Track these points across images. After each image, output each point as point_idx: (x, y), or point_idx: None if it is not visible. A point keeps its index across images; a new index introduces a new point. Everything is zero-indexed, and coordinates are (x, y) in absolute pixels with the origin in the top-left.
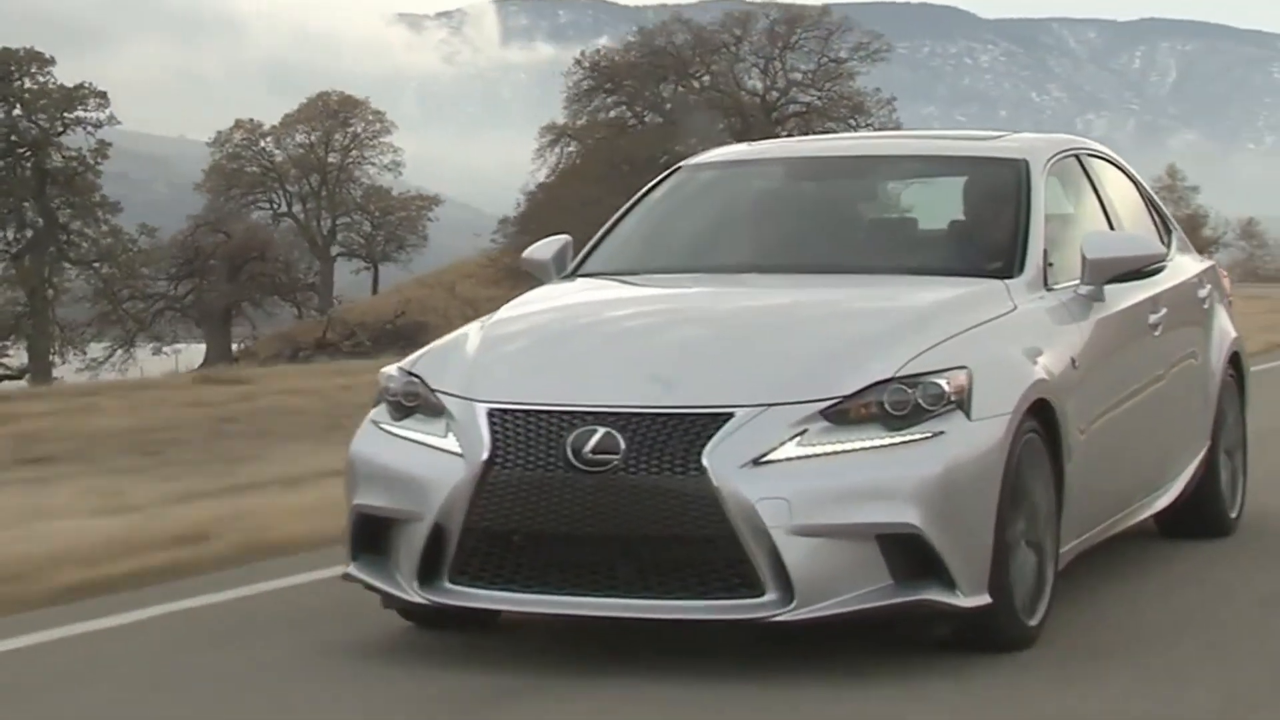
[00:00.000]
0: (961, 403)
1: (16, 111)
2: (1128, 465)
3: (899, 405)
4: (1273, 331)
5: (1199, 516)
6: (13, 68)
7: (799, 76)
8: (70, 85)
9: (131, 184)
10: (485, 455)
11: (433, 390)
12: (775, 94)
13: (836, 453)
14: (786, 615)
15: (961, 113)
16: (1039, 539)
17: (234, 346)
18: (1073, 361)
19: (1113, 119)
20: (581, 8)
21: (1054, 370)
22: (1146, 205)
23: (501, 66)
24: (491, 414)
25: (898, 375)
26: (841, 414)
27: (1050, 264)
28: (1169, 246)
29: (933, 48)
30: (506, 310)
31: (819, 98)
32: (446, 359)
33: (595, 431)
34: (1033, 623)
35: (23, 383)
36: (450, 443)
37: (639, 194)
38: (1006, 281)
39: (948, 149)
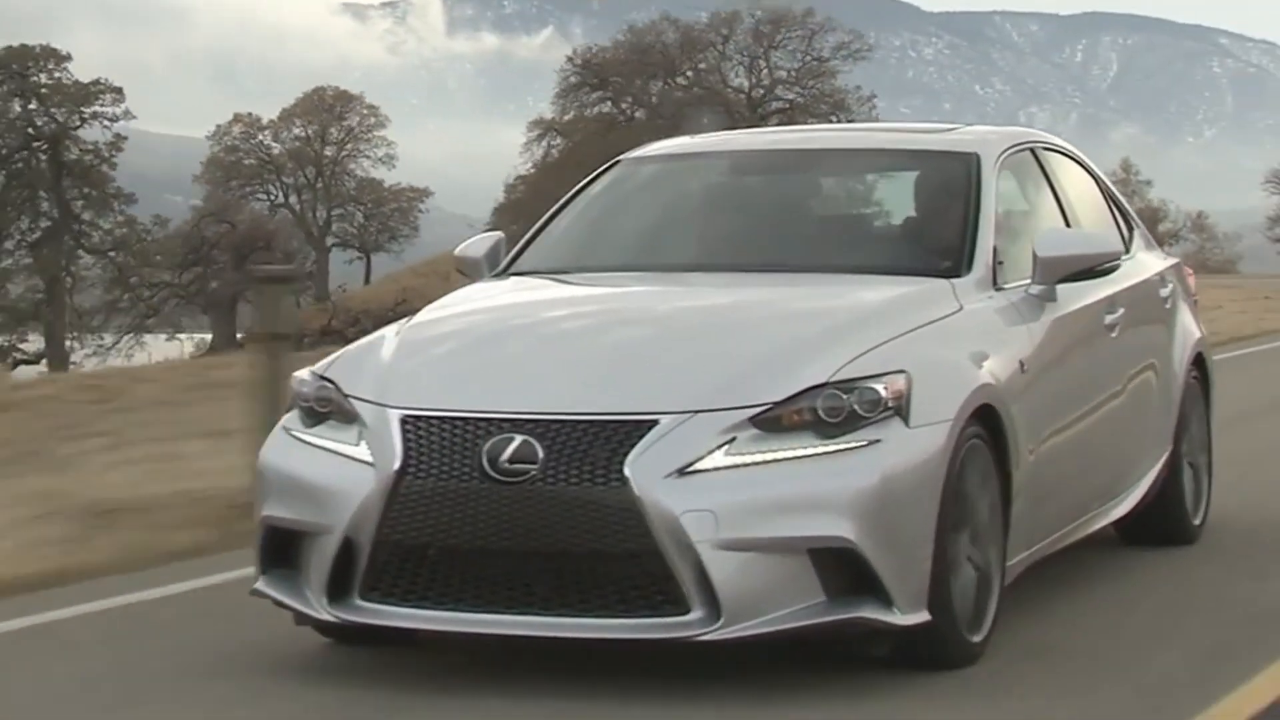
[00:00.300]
0: (900, 409)
1: (33, 106)
2: (1082, 472)
3: (833, 412)
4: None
5: (1161, 523)
6: (29, 64)
7: (783, 74)
8: (86, 81)
9: None
10: (397, 465)
11: (346, 396)
12: (760, 91)
13: (766, 462)
14: (713, 634)
15: (905, 105)
16: (984, 552)
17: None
18: (1021, 365)
19: (1055, 111)
20: None
21: (1000, 374)
22: (1107, 200)
23: (447, 57)
24: (404, 421)
25: (832, 380)
26: (773, 421)
27: (1000, 262)
28: (1130, 243)
29: (877, 39)
30: (426, 312)
31: (801, 95)
32: (361, 363)
33: (512, 440)
34: (977, 639)
35: (41, 367)
36: (362, 451)
37: (577, 188)
38: (953, 281)
39: (897, 142)
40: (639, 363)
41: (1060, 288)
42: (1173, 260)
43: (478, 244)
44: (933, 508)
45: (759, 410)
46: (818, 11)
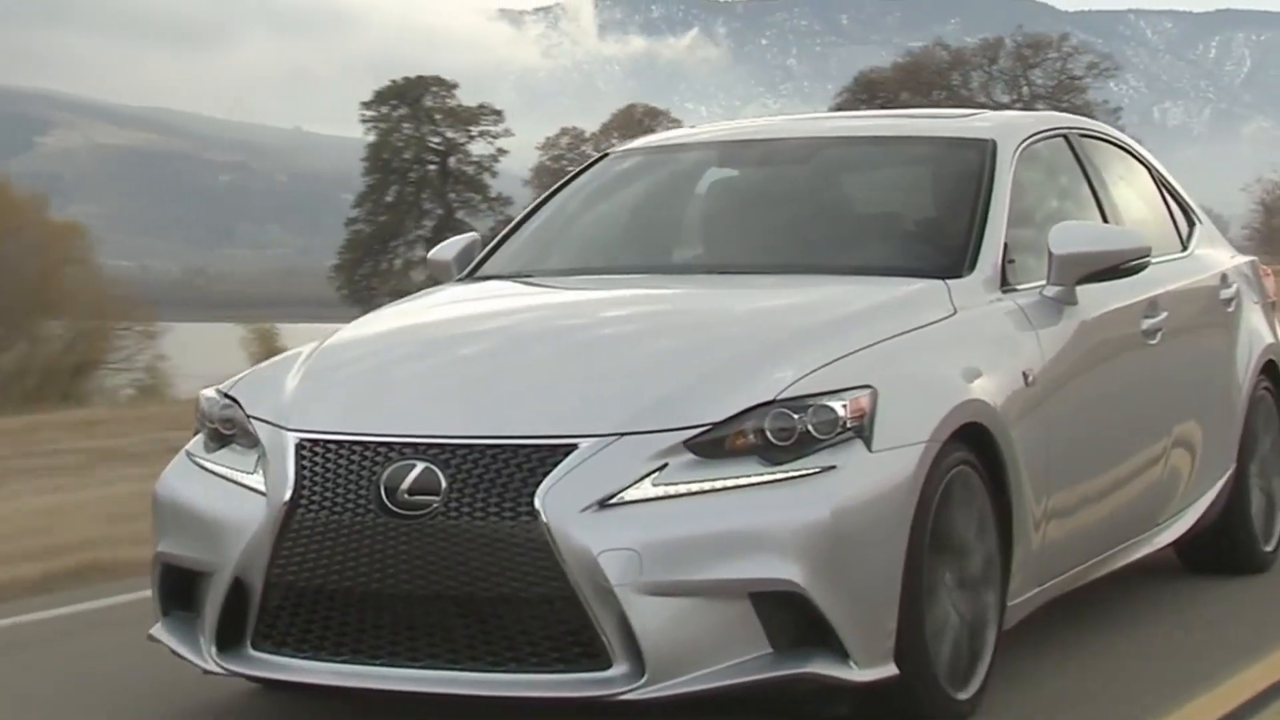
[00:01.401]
0: (861, 429)
1: (426, 127)
2: (1113, 497)
3: (782, 434)
4: None
5: (1227, 549)
6: (422, 91)
7: (1041, 91)
8: (473, 105)
9: (250, 173)
10: (288, 495)
11: (248, 417)
12: (1020, 105)
13: (701, 492)
14: (637, 693)
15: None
16: (973, 593)
17: None
18: (1025, 376)
19: (1189, 107)
20: (672, 2)
21: (997, 388)
22: (1162, 192)
23: (597, 59)
24: (300, 446)
25: (780, 397)
26: (713, 445)
27: (1011, 261)
28: (1188, 239)
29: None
30: (354, 324)
31: (1056, 108)
32: (267, 380)
33: (413, 467)
34: (963, 695)
35: None
36: (256, 480)
37: (558, 184)
38: (950, 282)
39: (905, 129)
40: (560, 379)
41: (1086, 289)
42: (1245, 259)
43: (448, 246)
44: (899, 545)
45: (695, 432)
46: (949, 9)
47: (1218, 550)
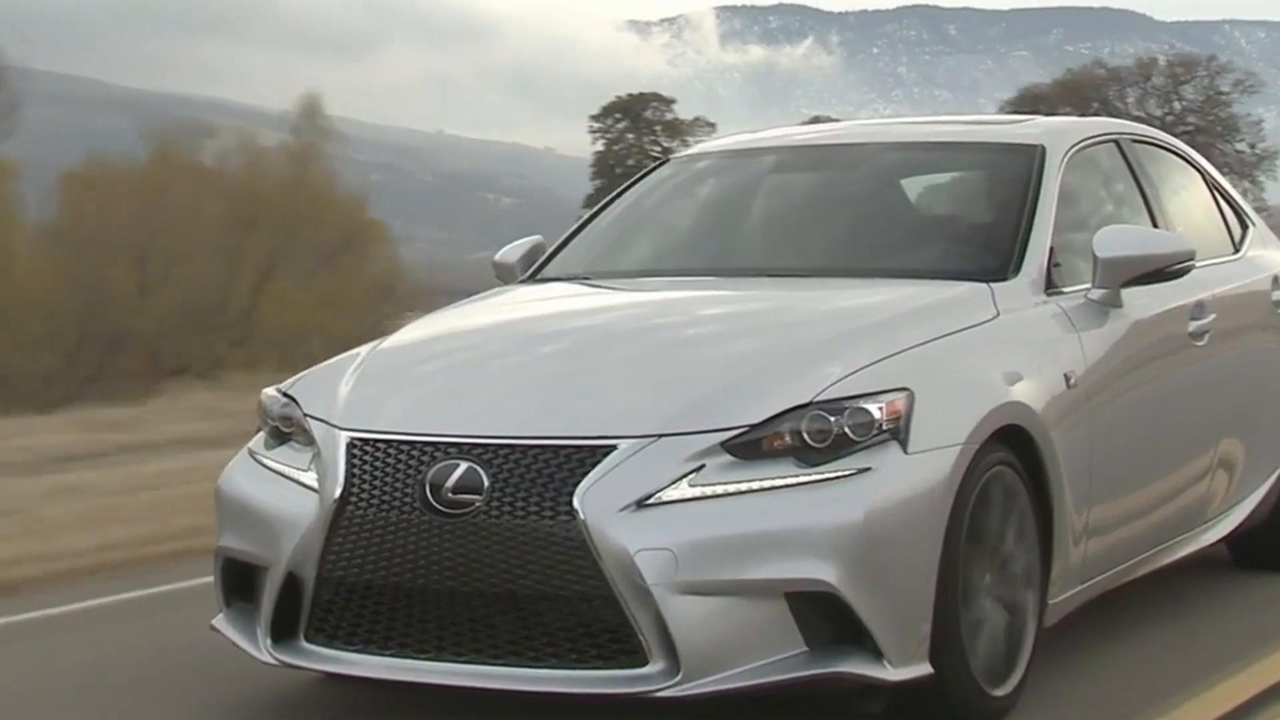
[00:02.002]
0: (897, 431)
1: (648, 137)
2: (1156, 496)
3: (819, 435)
4: None
5: (1277, 547)
6: (643, 107)
7: (1192, 105)
8: (688, 119)
9: (398, 173)
10: (338, 492)
11: (305, 415)
12: (1171, 118)
13: (737, 493)
14: (672, 690)
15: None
16: (1012, 592)
17: None
18: (1067, 379)
19: None
20: (789, 13)
21: (1039, 390)
22: (1215, 197)
23: (718, 67)
24: (350, 445)
25: (817, 399)
26: (750, 446)
27: (1058, 264)
28: (1243, 242)
29: (1113, 48)
30: (409, 327)
31: (1203, 121)
32: (324, 380)
33: (456, 466)
34: (1000, 692)
35: None
36: (310, 477)
37: (622, 187)
38: (993, 285)
39: (956, 135)
40: (601, 381)
41: (1131, 292)
42: None
43: (514, 249)
44: (934, 545)
45: (732, 434)
46: (1051, 21)
47: (1271, 548)
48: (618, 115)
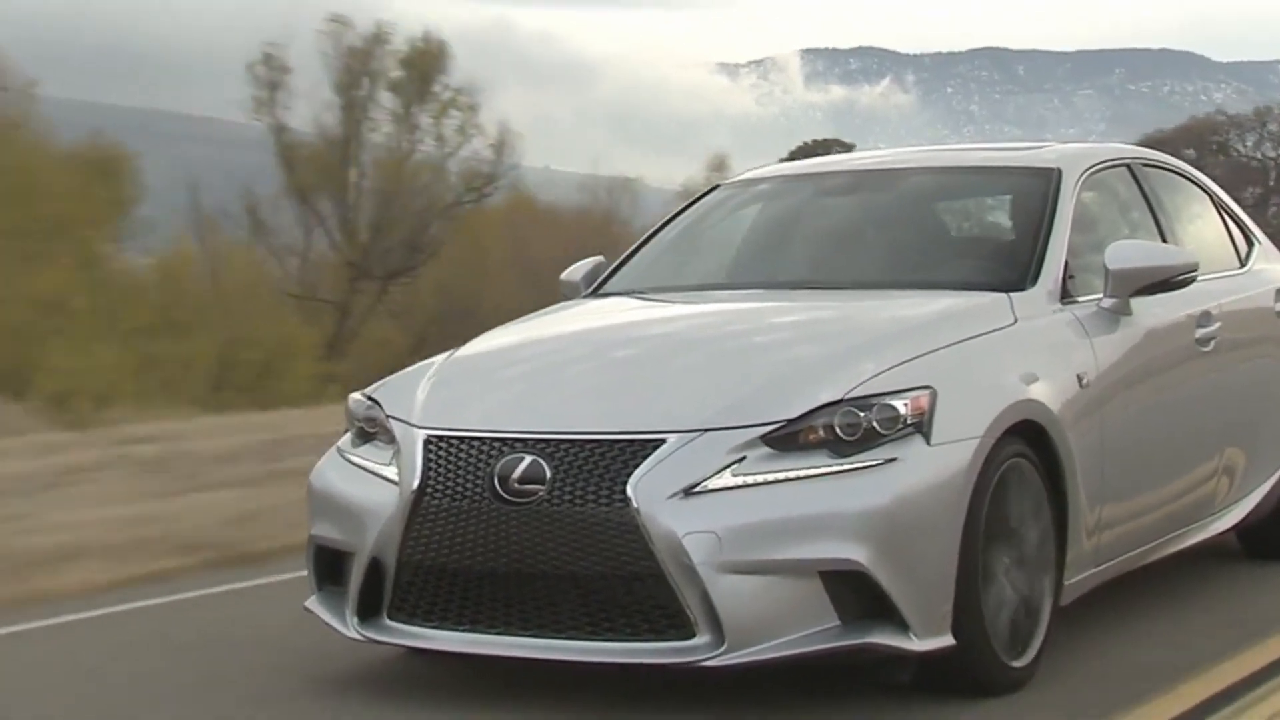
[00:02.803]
0: (921, 425)
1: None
2: (1166, 488)
3: (850, 429)
4: None
5: None
6: (825, 151)
7: None
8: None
9: None
10: (416, 484)
11: (387, 416)
12: None
13: (775, 482)
14: (718, 660)
15: None
16: (1029, 574)
17: None
18: (1080, 379)
19: None
20: (868, 55)
21: (1052, 389)
22: (1222, 216)
23: (802, 105)
24: (427, 441)
25: (848, 396)
26: (787, 439)
27: (1072, 276)
28: (1249, 258)
29: (1173, 86)
30: (481, 337)
31: None
32: (404, 384)
33: (521, 460)
34: (1019, 664)
35: None
36: (391, 471)
37: (676, 210)
38: (1012, 294)
39: (982, 160)
40: (652, 382)
41: (1141, 301)
42: None
43: (578, 269)
44: (955, 528)
45: (771, 428)
46: (1115, 61)
47: (1274, 538)
48: (803, 157)
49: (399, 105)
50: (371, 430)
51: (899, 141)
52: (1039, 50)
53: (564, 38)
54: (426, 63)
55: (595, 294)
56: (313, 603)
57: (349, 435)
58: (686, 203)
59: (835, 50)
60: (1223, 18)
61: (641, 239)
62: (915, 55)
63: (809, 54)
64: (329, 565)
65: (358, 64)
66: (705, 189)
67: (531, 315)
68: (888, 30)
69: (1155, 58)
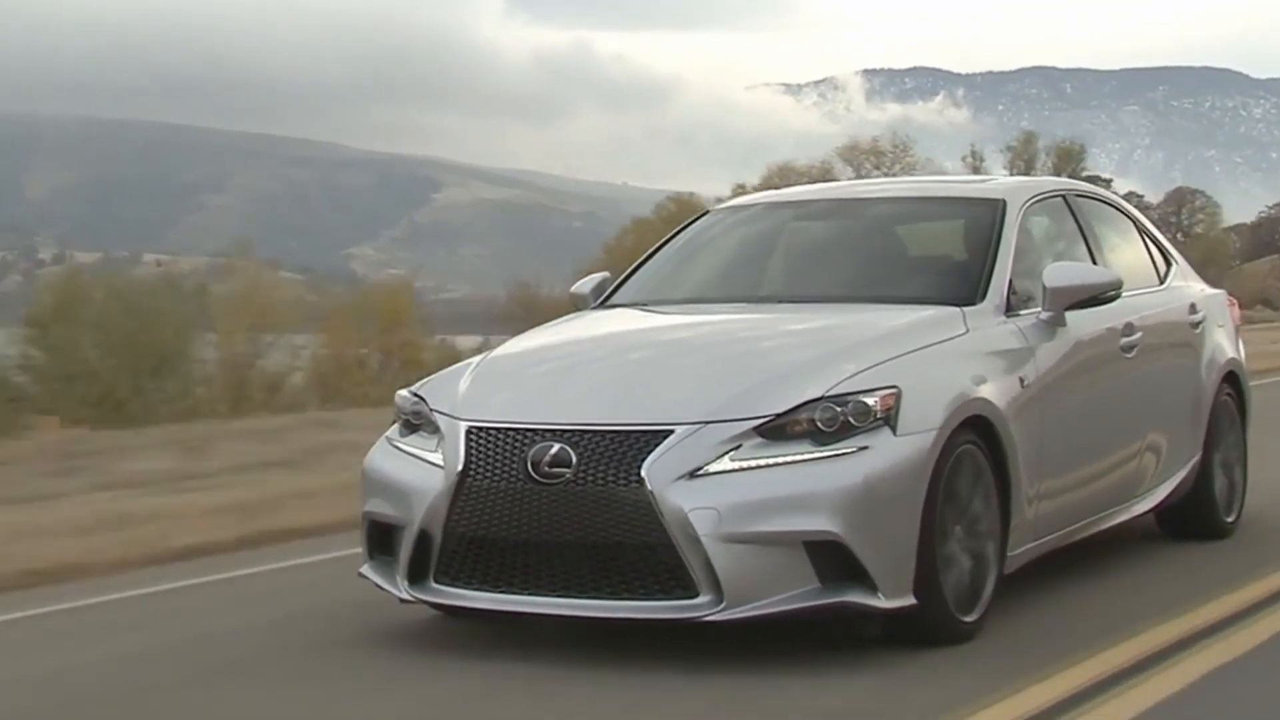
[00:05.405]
0: (889, 419)
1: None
2: (1094, 475)
3: (829, 422)
4: None
5: (1195, 520)
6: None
7: None
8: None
9: (597, 220)
10: (460, 467)
11: (431, 410)
12: None
13: (765, 466)
14: (717, 615)
15: (1238, 155)
16: (978, 544)
17: None
18: (1021, 381)
19: None
20: (922, 74)
21: (999, 389)
22: (1144, 240)
23: (861, 123)
24: (469, 431)
25: (827, 394)
26: (777, 430)
27: (1015, 293)
28: (1165, 276)
29: (1213, 102)
30: (513, 340)
31: None
32: (445, 383)
33: (551, 447)
34: (969, 619)
35: None
36: (437, 457)
37: (669, 235)
38: (965, 308)
39: (939, 191)
40: (662, 380)
41: (1075, 315)
42: (1214, 292)
43: (587, 282)
44: (916, 505)
45: (763, 421)
46: (1156, 79)
47: (1189, 520)
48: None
49: None
50: (416, 422)
51: (953, 156)
52: (1085, 69)
53: (638, 59)
54: None
55: (603, 305)
56: (366, 569)
57: (396, 426)
58: (681, 225)
59: (892, 70)
60: (1261, 36)
61: (642, 257)
62: (967, 74)
63: (868, 73)
64: (380, 537)
65: None
66: (698, 214)
67: (550, 323)
68: (941, 51)
69: (1197, 75)
